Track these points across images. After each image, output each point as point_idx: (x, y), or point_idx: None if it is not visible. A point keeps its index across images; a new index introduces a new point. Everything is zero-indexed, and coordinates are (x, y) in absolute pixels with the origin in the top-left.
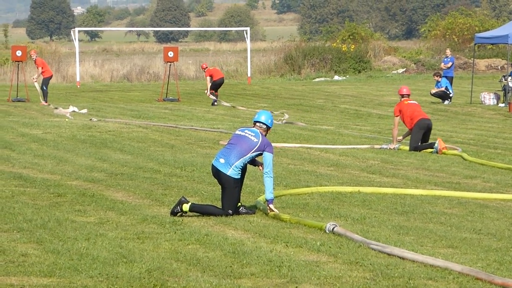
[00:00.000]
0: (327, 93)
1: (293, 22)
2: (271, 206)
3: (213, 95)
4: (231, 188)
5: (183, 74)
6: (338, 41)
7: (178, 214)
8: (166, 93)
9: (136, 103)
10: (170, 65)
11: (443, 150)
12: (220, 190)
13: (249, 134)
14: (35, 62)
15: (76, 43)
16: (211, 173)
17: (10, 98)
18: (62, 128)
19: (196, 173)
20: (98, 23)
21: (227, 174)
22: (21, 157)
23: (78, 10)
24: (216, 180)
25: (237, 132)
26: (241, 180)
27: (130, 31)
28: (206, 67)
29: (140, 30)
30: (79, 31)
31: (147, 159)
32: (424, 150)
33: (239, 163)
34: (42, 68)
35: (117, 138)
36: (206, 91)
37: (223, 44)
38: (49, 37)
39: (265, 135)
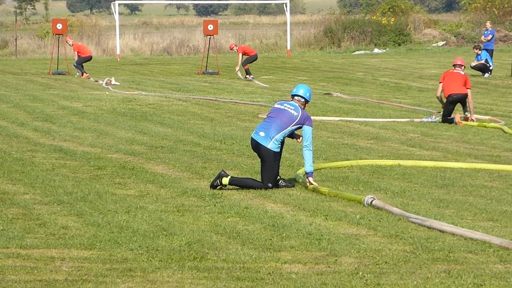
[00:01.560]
0: (367, 66)
1: None
2: (311, 179)
3: (247, 72)
4: (270, 162)
5: (222, 47)
6: (378, 14)
7: (218, 187)
8: (206, 67)
9: (176, 76)
10: (209, 38)
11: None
12: (260, 164)
13: (289, 108)
14: (72, 46)
15: (116, 16)
16: (251, 146)
17: (50, 71)
18: (103, 101)
19: (235, 146)
20: None
21: (267, 147)
22: (62, 130)
23: None
24: (255, 153)
25: (276, 105)
26: (280, 154)
27: (170, 4)
28: (236, 45)
29: (180, 4)
30: (119, 5)
31: (187, 132)
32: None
33: (279, 136)
34: (78, 52)
35: (157, 111)
36: (236, 68)
37: (263, 17)
38: (89, 10)
39: (304, 109)
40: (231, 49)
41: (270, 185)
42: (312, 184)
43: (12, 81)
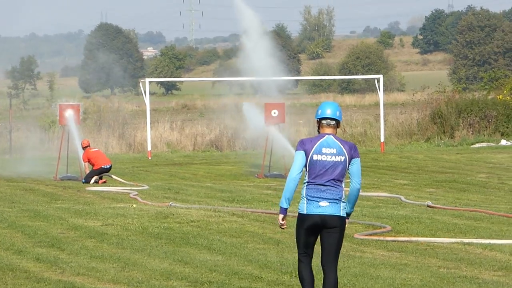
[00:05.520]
0: (491, 165)
1: (442, 65)
2: (347, 220)
3: None
4: (343, 231)
5: (291, 139)
6: (505, 91)
7: None
8: (269, 167)
9: (228, 180)
10: (274, 127)
11: None
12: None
13: (331, 156)
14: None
15: (147, 99)
16: (307, 231)
17: (57, 176)
18: (128, 217)
19: None
20: (176, 69)
21: (340, 215)
22: (73, 259)
23: (148, 52)
24: (308, 242)
25: (314, 156)
26: None
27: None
28: None
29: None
30: (150, 82)
31: (244, 261)
32: None
33: (343, 191)
34: (90, 162)
35: (203, 231)
36: None
37: (346, 96)
38: (109, 89)
39: (336, 133)
40: None
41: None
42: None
43: (5, 190)
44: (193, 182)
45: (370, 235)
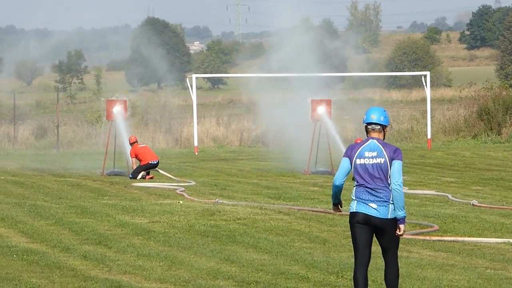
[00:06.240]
0: None
1: (489, 60)
2: (402, 226)
3: None
4: (394, 231)
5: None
6: None
7: None
8: (316, 162)
9: (275, 177)
10: (320, 124)
11: None
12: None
13: (373, 159)
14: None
15: (194, 94)
16: (359, 230)
17: (104, 171)
18: (175, 214)
19: None
20: (223, 64)
21: (388, 217)
22: (120, 257)
23: (195, 46)
24: (362, 240)
25: (357, 161)
26: None
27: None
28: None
29: (279, 77)
30: (196, 78)
31: (290, 260)
32: None
33: (389, 193)
34: (137, 157)
35: (249, 229)
36: None
37: (393, 92)
38: (156, 84)
39: (384, 138)
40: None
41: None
42: (403, 232)
43: (52, 185)
44: (239, 178)
45: (417, 234)
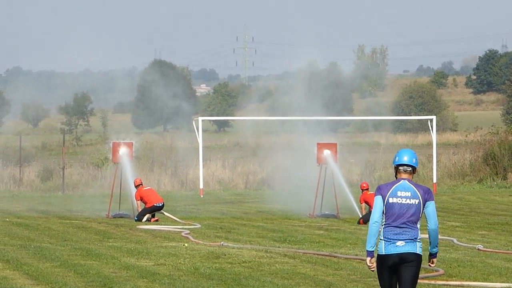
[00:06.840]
0: None
1: (495, 105)
2: (435, 260)
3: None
4: (419, 266)
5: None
6: None
7: None
8: (321, 206)
9: (280, 220)
10: (325, 168)
11: None
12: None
13: (407, 198)
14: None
15: (200, 137)
16: (388, 271)
17: (109, 213)
18: (180, 257)
19: None
20: (229, 107)
21: (416, 252)
22: None
23: (201, 89)
24: (392, 281)
25: (390, 199)
26: None
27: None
28: (367, 187)
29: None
30: (203, 120)
31: None
32: None
33: (419, 231)
34: (142, 200)
35: (255, 272)
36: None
37: (399, 136)
38: (162, 126)
39: (412, 178)
40: (362, 190)
41: None
42: (434, 264)
43: (58, 227)
44: (244, 221)
45: (422, 278)
